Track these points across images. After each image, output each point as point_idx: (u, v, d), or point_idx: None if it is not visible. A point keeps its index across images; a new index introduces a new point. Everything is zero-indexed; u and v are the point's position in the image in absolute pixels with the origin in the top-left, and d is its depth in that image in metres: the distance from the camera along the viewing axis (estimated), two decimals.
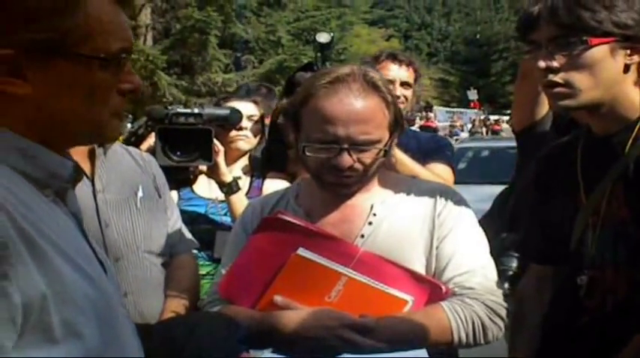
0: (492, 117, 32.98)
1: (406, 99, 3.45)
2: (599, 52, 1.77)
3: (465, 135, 26.97)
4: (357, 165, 1.96)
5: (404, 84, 3.38)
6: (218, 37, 19.66)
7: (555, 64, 1.79)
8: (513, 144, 3.43)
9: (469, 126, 32.57)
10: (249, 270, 2.02)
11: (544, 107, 3.02)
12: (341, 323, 1.85)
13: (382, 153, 1.97)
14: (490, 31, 59.01)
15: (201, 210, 3.17)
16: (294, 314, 1.90)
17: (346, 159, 1.93)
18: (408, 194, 2.08)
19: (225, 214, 3.10)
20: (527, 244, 2.21)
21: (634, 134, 1.83)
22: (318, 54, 3.09)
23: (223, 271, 2.12)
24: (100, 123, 1.27)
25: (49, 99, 1.21)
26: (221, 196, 3.04)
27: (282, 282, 1.95)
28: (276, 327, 1.89)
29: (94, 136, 1.36)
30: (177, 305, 2.48)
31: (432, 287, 1.95)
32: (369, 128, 1.93)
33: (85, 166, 2.37)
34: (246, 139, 3.27)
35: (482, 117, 33.36)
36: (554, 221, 2.00)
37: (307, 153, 1.97)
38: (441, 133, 20.88)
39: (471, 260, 2.00)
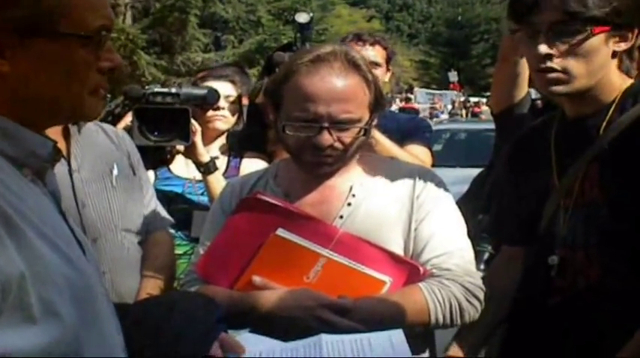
0: (472, 99, 33.02)
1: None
2: (597, 40, 1.79)
3: (445, 116, 27.02)
4: (337, 145, 1.96)
5: (370, 64, 3.37)
6: (198, 17, 19.51)
7: (555, 50, 1.80)
8: (490, 126, 3.45)
9: (449, 107, 32.60)
10: (227, 250, 2.02)
11: (522, 89, 3.04)
12: (318, 304, 1.86)
13: (362, 132, 1.98)
14: (471, 13, 58.92)
15: (179, 190, 3.17)
16: (272, 294, 1.90)
17: (326, 138, 1.93)
18: (387, 175, 2.08)
19: (202, 194, 3.09)
20: (498, 225, 2.23)
21: (608, 116, 1.85)
22: (298, 34, 3.08)
23: (201, 251, 2.12)
24: (79, 101, 1.26)
25: (28, 78, 1.20)
26: (198, 176, 3.03)
27: (261, 263, 1.96)
28: (254, 307, 1.90)
29: (73, 114, 1.34)
30: (153, 286, 2.48)
31: (410, 269, 1.96)
32: (350, 107, 1.94)
33: (61, 145, 2.33)
34: (223, 119, 3.27)
35: (462, 99, 33.39)
36: (526, 202, 2.02)
37: (287, 132, 1.97)
38: (421, 115, 20.92)
39: (449, 242, 2.01)
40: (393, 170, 2.11)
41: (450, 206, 2.08)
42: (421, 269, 1.96)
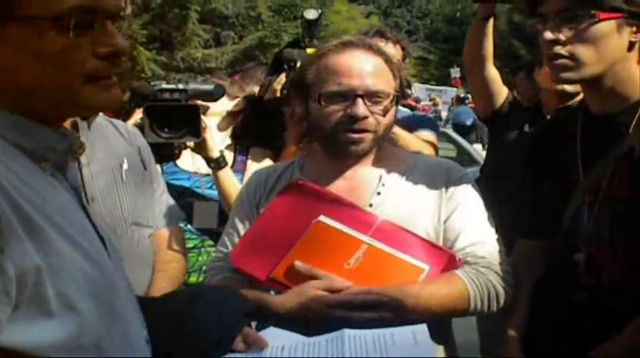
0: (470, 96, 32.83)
1: None
2: (606, 26, 1.79)
3: (445, 113, 26.88)
4: (371, 119, 2.01)
5: None
6: (198, 12, 19.49)
7: (561, 36, 1.81)
8: None
9: (450, 103, 32.43)
10: (265, 238, 2.04)
11: (501, 94, 3.15)
12: (324, 304, 1.89)
13: (393, 103, 2.04)
14: (470, 10, 58.53)
15: (186, 184, 3.17)
16: (278, 299, 1.94)
17: (362, 108, 1.99)
18: (415, 168, 2.13)
19: (210, 188, 3.10)
20: (518, 220, 2.22)
21: (638, 113, 1.85)
22: (305, 30, 3.08)
23: (226, 239, 2.16)
24: (71, 90, 1.18)
25: (10, 68, 1.15)
26: (204, 170, 3.05)
27: (302, 249, 1.97)
28: (267, 309, 1.92)
29: (70, 105, 1.23)
30: (163, 280, 2.47)
31: (448, 257, 2.00)
32: (380, 81, 2.02)
33: None
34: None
35: (461, 95, 33.24)
36: (548, 197, 2.02)
37: (323, 103, 2.02)
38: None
39: (480, 231, 2.06)
40: (421, 163, 2.16)
41: (477, 198, 2.12)
42: (457, 257, 2.00)
